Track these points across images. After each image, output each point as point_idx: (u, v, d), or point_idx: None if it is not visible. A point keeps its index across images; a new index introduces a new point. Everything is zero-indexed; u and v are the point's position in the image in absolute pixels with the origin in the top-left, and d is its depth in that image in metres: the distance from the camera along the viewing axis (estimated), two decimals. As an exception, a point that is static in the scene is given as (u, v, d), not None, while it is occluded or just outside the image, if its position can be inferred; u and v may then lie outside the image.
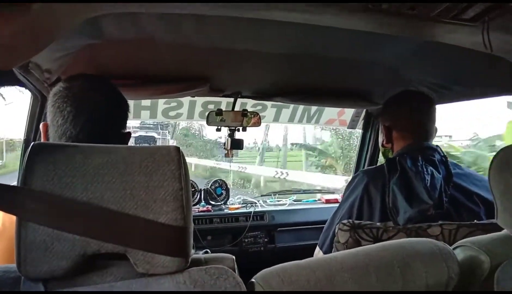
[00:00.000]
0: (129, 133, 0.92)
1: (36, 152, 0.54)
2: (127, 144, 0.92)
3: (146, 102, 1.95)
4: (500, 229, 0.84)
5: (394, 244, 0.74)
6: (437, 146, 1.20)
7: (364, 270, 0.66)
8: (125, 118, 0.91)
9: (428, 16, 0.77)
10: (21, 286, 0.54)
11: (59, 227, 0.52)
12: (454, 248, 0.81)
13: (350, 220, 1.01)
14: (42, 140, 0.88)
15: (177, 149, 0.58)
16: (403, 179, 1.09)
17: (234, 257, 0.66)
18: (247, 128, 1.83)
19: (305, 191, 2.52)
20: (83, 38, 1.01)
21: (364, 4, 0.72)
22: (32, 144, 0.56)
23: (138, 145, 0.66)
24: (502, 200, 0.81)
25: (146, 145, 0.67)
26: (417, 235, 0.98)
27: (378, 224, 1.02)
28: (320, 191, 2.57)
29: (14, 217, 0.54)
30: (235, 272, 0.61)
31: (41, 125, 0.87)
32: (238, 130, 1.83)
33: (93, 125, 0.82)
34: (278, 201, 2.26)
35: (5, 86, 0.91)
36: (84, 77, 0.88)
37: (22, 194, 0.52)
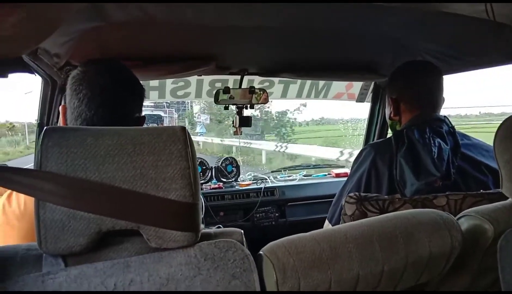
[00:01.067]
0: (144, 117, 0.95)
1: (49, 136, 0.57)
2: (142, 125, 0.94)
3: (154, 83, 1.96)
4: (506, 198, 0.85)
5: (398, 215, 0.76)
6: (445, 116, 1.19)
7: (367, 240, 0.68)
8: (140, 102, 0.93)
9: None
10: (43, 261, 0.58)
11: (74, 206, 0.55)
12: (459, 218, 0.82)
13: (356, 193, 1.02)
14: (61, 122, 0.92)
15: (183, 129, 0.60)
16: (410, 151, 1.09)
17: (242, 231, 0.69)
18: (255, 105, 1.83)
19: (315, 166, 2.54)
20: (87, 22, 1.02)
21: None
22: (44, 128, 0.58)
23: (146, 125, 0.68)
24: (507, 169, 0.82)
25: (154, 125, 0.69)
26: (423, 206, 1.00)
27: (385, 196, 1.03)
28: (330, 165, 2.59)
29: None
30: (243, 245, 0.64)
31: (60, 107, 0.91)
32: (246, 107, 1.83)
33: (105, 108, 0.85)
34: (289, 176, 2.29)
35: (16, 73, 0.94)
36: (100, 62, 0.91)
37: (39, 176, 0.55)
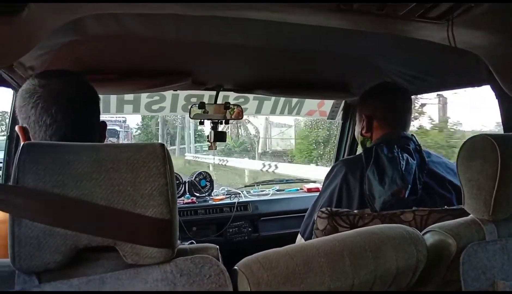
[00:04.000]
0: (105, 122, 0.94)
1: (27, 152, 0.56)
2: (105, 133, 0.94)
3: (129, 97, 1.94)
4: (468, 214, 0.90)
5: (368, 230, 0.79)
6: (412, 135, 1.25)
7: (338, 255, 0.70)
8: (99, 110, 0.93)
9: (396, 15, 0.82)
10: (16, 278, 0.56)
11: (51, 223, 0.54)
12: (424, 233, 0.86)
13: (328, 208, 1.05)
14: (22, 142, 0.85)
15: (162, 146, 0.61)
16: (377, 165, 1.13)
17: (217, 246, 0.70)
18: (230, 120, 1.86)
19: (287, 181, 2.57)
20: (65, 36, 1.02)
21: (336, 5, 0.77)
22: (22, 144, 0.57)
23: (121, 142, 0.67)
24: (468, 187, 0.86)
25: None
26: (391, 221, 1.03)
27: (355, 211, 1.06)
28: (301, 181, 2.63)
29: (4, 215, 0.56)
30: (219, 260, 0.64)
31: (17, 128, 0.85)
32: (221, 122, 1.85)
33: (78, 120, 0.84)
34: (262, 191, 2.31)
35: None
36: (61, 74, 0.87)
37: (15, 192, 0.54)
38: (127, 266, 0.59)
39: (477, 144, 0.85)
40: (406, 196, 1.10)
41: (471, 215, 0.89)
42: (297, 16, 0.83)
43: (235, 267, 0.66)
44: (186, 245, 0.72)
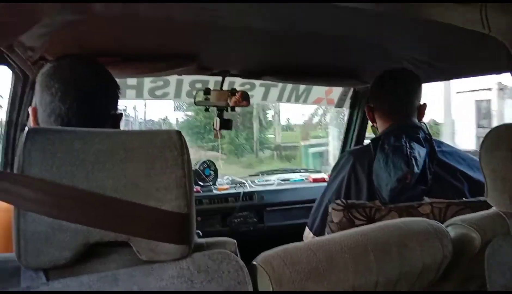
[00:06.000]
0: (121, 114, 0.89)
1: (33, 138, 0.51)
2: (119, 125, 0.89)
3: (132, 81, 1.89)
4: (489, 206, 0.86)
5: (390, 224, 0.75)
6: (422, 123, 1.21)
7: (362, 250, 0.66)
8: (115, 98, 0.88)
9: None
10: (22, 275, 0.52)
11: (60, 217, 0.50)
12: (445, 226, 0.83)
13: (343, 200, 1.02)
14: (31, 124, 0.85)
15: (178, 133, 0.56)
16: (384, 154, 1.10)
17: (235, 241, 0.66)
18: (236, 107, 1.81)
19: (292, 170, 2.53)
20: (67, 14, 0.96)
21: None
22: (27, 129, 0.53)
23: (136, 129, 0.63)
24: (492, 178, 0.83)
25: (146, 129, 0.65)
26: (409, 213, 1.00)
27: (370, 203, 1.03)
28: (306, 170, 2.59)
29: (5, 204, 0.51)
30: (237, 255, 0.60)
31: (30, 109, 0.84)
32: (227, 109, 1.80)
33: (81, 103, 0.79)
34: (267, 180, 2.27)
35: None
36: (73, 56, 0.85)
37: (20, 182, 0.49)
38: (141, 261, 0.55)
39: (502, 134, 0.82)
40: (411, 181, 1.07)
41: (493, 208, 0.85)
42: None
43: (254, 263, 0.62)
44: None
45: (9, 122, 1.30)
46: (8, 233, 0.51)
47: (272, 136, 12.98)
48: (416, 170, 1.06)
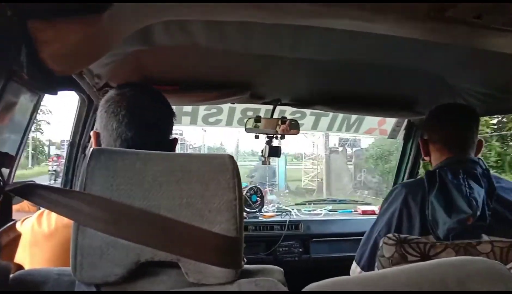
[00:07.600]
0: (176, 139, 0.94)
1: (97, 157, 0.55)
2: (175, 149, 0.95)
3: (187, 108, 1.98)
4: None
5: (448, 262, 0.70)
6: (479, 158, 1.15)
7: (417, 288, 0.63)
8: (172, 124, 0.94)
9: (494, 24, 0.72)
10: (76, 288, 0.55)
11: (115, 234, 0.52)
12: (508, 269, 0.76)
13: (395, 234, 0.98)
14: (93, 146, 0.90)
15: (231, 158, 0.58)
16: (442, 191, 1.06)
17: (282, 270, 0.65)
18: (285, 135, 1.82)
19: (341, 201, 2.46)
20: (133, 44, 1.04)
21: (426, 12, 0.68)
22: (92, 149, 0.57)
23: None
24: None
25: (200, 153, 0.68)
26: (467, 251, 0.94)
27: (424, 239, 0.98)
28: (355, 202, 2.51)
29: (66, 220, 0.55)
30: (285, 285, 0.60)
31: (91, 133, 0.90)
32: (277, 137, 1.82)
33: (145, 129, 0.85)
34: (313, 210, 2.23)
35: (64, 90, 0.96)
36: (135, 85, 0.92)
37: (81, 199, 0.52)
38: (188, 284, 0.56)
39: None
40: (472, 223, 1.00)
41: None
42: (379, 25, 0.75)
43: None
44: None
45: (72, 143, 1.40)
46: (66, 247, 0.55)
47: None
48: (478, 213, 1.00)
